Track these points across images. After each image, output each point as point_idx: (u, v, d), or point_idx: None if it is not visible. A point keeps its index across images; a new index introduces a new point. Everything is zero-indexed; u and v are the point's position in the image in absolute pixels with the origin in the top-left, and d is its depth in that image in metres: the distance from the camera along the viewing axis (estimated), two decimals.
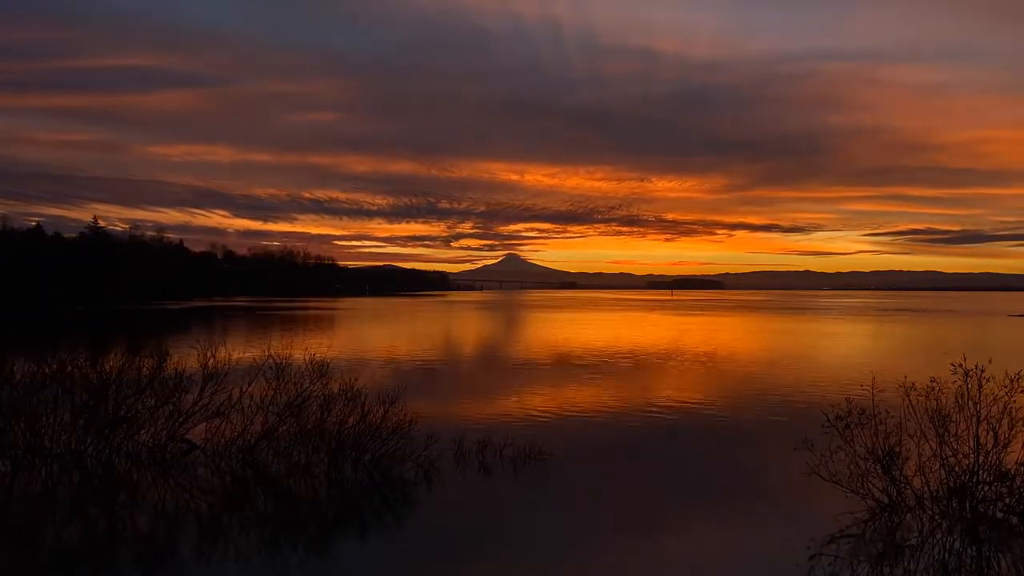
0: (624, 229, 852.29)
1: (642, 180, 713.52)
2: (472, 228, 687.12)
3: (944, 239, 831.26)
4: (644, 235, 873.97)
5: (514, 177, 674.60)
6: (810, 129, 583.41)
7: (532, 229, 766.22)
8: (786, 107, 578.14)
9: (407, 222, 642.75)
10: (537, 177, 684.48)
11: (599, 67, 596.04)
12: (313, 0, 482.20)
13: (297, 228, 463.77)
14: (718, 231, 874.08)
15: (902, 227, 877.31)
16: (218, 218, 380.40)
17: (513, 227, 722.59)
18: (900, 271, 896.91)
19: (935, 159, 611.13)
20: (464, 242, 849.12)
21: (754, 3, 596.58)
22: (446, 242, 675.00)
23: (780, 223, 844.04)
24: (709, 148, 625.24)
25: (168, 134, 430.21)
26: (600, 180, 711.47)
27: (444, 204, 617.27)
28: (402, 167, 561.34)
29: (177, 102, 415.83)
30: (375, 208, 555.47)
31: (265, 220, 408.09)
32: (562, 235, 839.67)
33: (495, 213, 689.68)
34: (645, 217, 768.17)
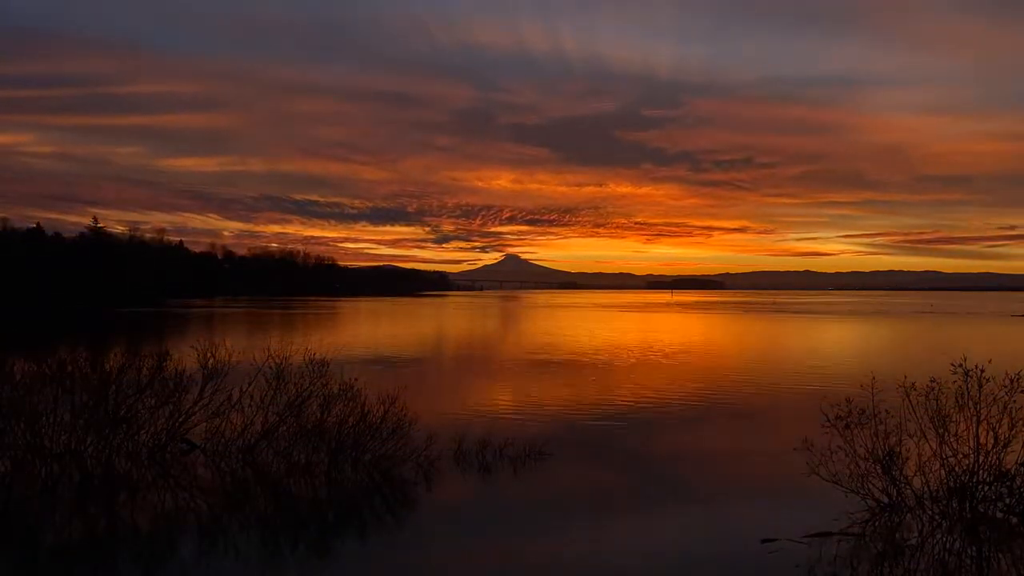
0: (602, 231, 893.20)
1: (600, 185, 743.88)
2: (456, 230, 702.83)
3: (919, 241, 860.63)
4: (623, 236, 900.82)
5: (480, 184, 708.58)
6: (780, 142, 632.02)
7: (515, 231, 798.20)
8: (763, 125, 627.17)
9: (391, 225, 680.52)
10: (502, 183, 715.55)
11: (583, 88, 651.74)
12: (327, 28, 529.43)
13: (287, 230, 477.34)
14: (695, 233, 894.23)
15: (880, 230, 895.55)
16: (212, 221, 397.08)
17: (495, 228, 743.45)
18: (900, 271, 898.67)
19: (906, 169, 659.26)
20: (455, 243, 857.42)
21: (743, 33, 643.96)
22: (437, 243, 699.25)
23: (752, 226, 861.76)
24: (670, 159, 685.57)
25: (176, 148, 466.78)
26: (565, 186, 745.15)
27: (418, 206, 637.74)
28: (371, 174, 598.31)
29: (191, 122, 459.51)
30: (355, 212, 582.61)
31: (256, 223, 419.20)
32: (545, 236, 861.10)
33: (472, 215, 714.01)
34: (620, 220, 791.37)
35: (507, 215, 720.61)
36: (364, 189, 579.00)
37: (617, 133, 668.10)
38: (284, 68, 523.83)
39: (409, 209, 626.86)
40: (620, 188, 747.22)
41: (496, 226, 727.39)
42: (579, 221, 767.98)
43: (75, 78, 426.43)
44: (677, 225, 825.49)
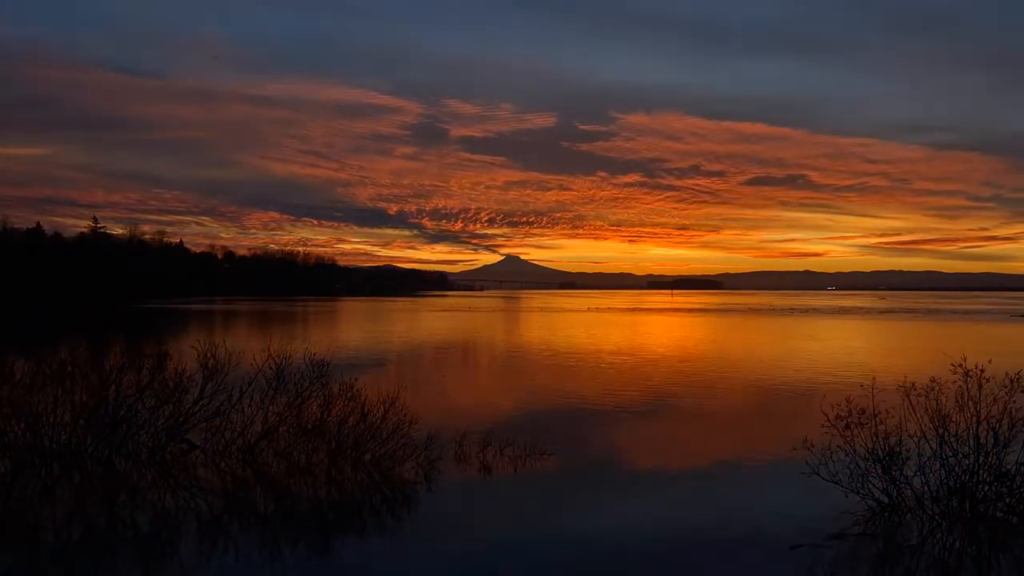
0: (581, 232, 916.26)
1: (564, 189, 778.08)
2: (441, 232, 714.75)
3: (900, 242, 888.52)
4: (606, 237, 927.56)
5: (452, 188, 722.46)
6: (723, 151, 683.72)
7: (499, 233, 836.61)
8: (700, 137, 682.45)
9: (377, 227, 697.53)
10: (471, 188, 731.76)
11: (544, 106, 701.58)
12: (279, 46, 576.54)
13: (278, 232, 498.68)
14: (674, 234, 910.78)
15: (862, 232, 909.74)
16: (205, 222, 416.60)
17: (477, 229, 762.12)
18: (900, 271, 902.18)
19: (851, 176, 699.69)
20: (446, 245, 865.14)
21: (669, 52, 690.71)
22: (428, 244, 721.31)
23: (722, 225, 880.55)
24: (623, 167, 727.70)
25: (161, 158, 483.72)
26: (531, 190, 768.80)
27: (398, 209, 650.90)
28: (344, 180, 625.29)
29: (193, 136, 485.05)
30: (340, 214, 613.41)
31: (247, 227, 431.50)
32: (530, 237, 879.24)
33: (452, 218, 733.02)
34: (597, 222, 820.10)
35: (485, 217, 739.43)
36: (342, 194, 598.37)
37: (563, 144, 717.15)
38: (244, 84, 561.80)
39: (390, 212, 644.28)
40: (586, 192, 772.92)
41: (476, 227, 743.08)
42: (558, 222, 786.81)
43: (75, 97, 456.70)
44: (656, 225, 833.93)
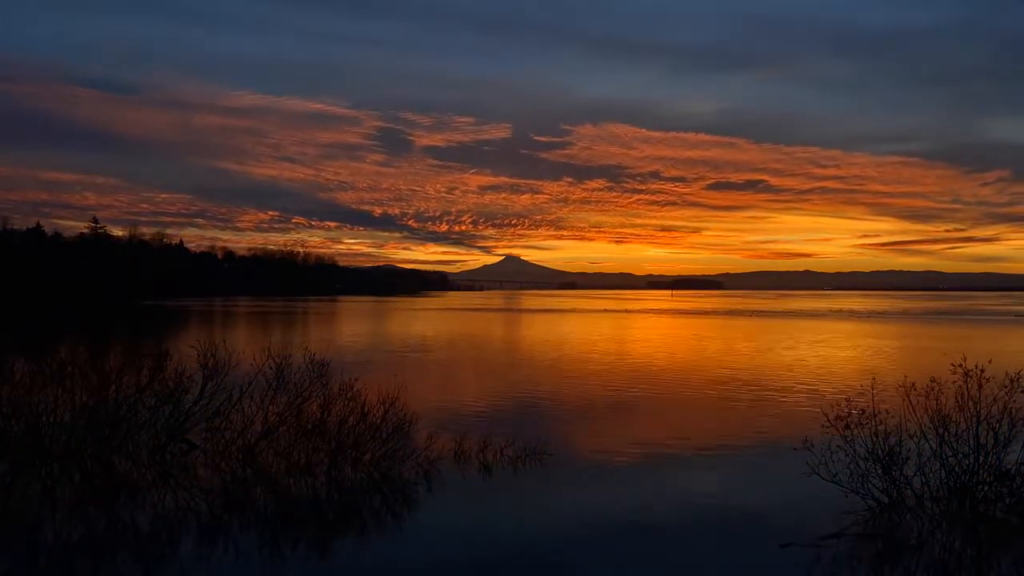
0: (565, 233, 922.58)
1: (536, 193, 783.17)
2: (431, 233, 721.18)
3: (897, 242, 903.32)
4: (592, 239, 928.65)
5: (430, 191, 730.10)
6: (677, 157, 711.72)
7: (489, 234, 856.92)
8: (656, 147, 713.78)
9: (366, 228, 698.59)
10: (449, 192, 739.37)
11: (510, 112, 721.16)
12: (242, 59, 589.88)
13: (271, 234, 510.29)
14: (657, 234, 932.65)
15: (845, 234, 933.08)
16: (198, 222, 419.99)
17: (466, 230, 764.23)
18: (900, 271, 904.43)
19: (806, 179, 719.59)
20: (442, 246, 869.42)
21: (617, 65, 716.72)
22: (420, 244, 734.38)
23: (702, 227, 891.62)
24: (587, 173, 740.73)
25: (167, 166, 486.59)
26: (507, 193, 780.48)
27: (382, 212, 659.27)
28: (323, 184, 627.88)
29: (174, 143, 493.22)
30: (328, 216, 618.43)
31: (240, 229, 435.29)
32: (520, 238, 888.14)
33: (437, 220, 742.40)
34: (580, 224, 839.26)
35: (468, 220, 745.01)
36: (326, 198, 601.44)
37: (523, 151, 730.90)
38: (213, 97, 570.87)
39: (375, 214, 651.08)
40: (559, 196, 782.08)
41: (461, 228, 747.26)
42: (540, 224, 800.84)
43: (66, 111, 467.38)
44: (637, 227, 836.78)
